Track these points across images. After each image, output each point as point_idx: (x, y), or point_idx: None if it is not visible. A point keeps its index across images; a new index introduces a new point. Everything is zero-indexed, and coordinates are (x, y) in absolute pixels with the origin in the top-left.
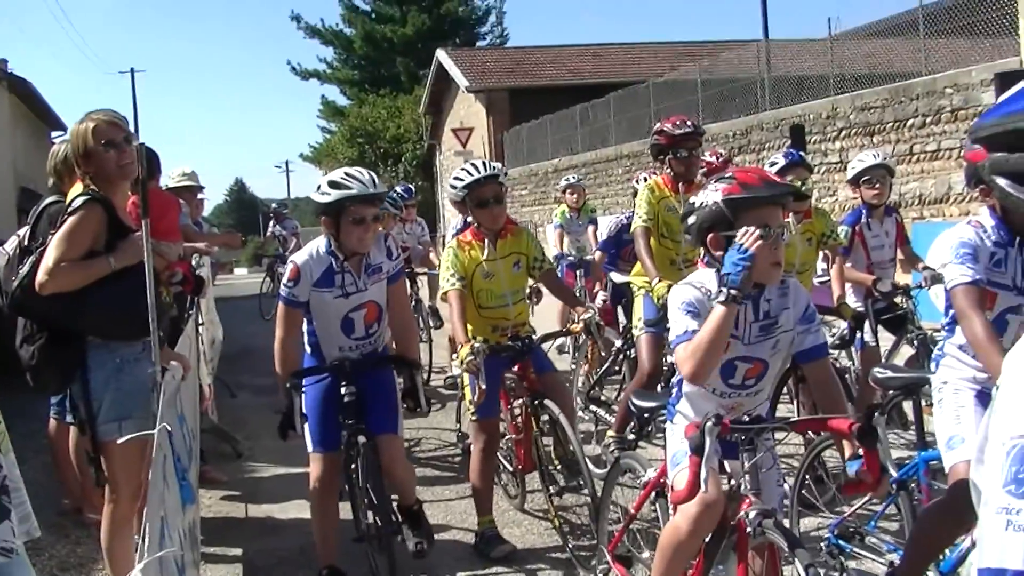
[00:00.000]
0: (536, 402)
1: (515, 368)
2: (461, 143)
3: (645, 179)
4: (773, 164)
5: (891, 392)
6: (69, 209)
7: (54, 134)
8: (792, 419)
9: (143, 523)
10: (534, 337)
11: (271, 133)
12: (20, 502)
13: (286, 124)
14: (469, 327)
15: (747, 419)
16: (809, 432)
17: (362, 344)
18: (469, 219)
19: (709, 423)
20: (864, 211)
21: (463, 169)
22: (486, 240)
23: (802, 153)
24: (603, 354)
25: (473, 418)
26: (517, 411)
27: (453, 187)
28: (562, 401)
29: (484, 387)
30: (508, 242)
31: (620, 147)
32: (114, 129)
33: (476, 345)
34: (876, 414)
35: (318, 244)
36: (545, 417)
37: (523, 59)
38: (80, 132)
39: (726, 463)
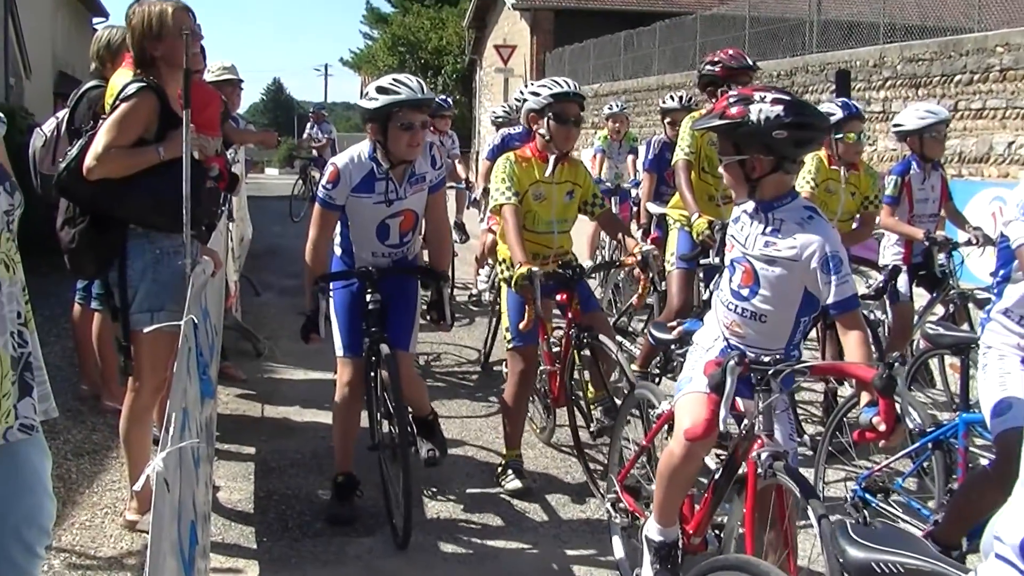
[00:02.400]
0: (583, 335)
1: (559, 297)
2: (503, 60)
3: (672, 97)
4: (830, 115)
5: (923, 348)
6: (122, 95)
7: (96, 20)
8: (811, 362)
9: (166, 413)
10: (583, 266)
11: (312, 36)
12: (41, 381)
13: (328, 28)
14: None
15: (766, 359)
16: (839, 381)
17: (395, 251)
18: (510, 134)
19: (731, 362)
20: (915, 162)
21: (552, 80)
22: (550, 160)
23: (857, 105)
24: (657, 289)
25: (511, 345)
26: (555, 342)
27: (536, 94)
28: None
29: (536, 313)
30: (566, 169)
31: (662, 77)
32: (188, 17)
33: (535, 269)
34: (897, 364)
35: (360, 149)
36: (586, 353)
37: None
38: (155, 14)
39: (740, 401)
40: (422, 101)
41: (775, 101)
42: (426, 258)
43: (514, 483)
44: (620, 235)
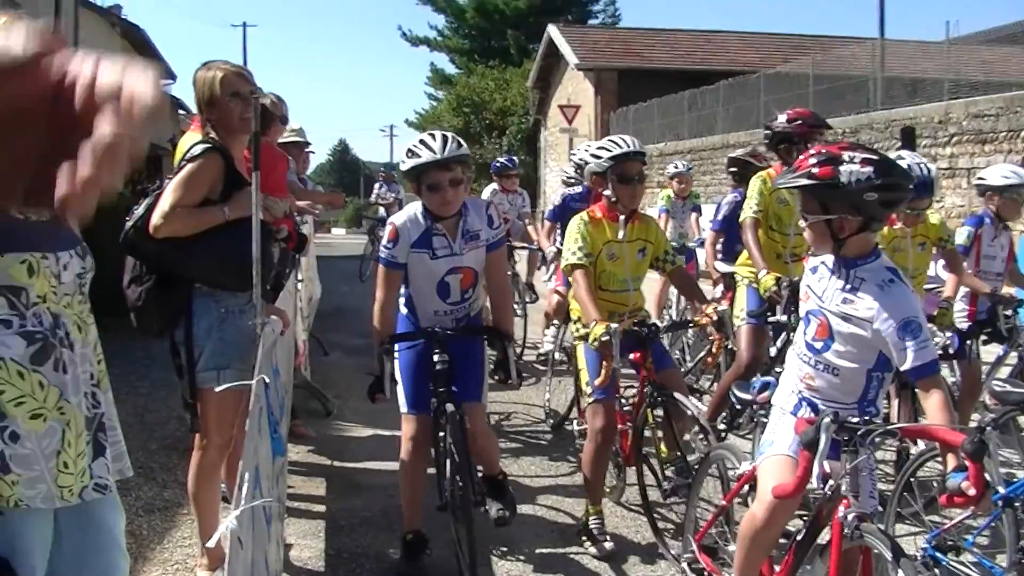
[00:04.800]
0: (657, 394)
1: (632, 356)
2: (567, 120)
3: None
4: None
5: (1003, 406)
6: (188, 156)
7: (163, 82)
8: (901, 424)
9: (238, 471)
10: (659, 325)
11: (378, 97)
12: (115, 441)
13: (393, 88)
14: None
15: (855, 420)
16: (913, 440)
17: (456, 308)
18: (571, 195)
19: (826, 420)
20: (988, 218)
21: (611, 140)
22: (621, 219)
23: (933, 176)
24: (732, 348)
25: (591, 400)
26: (627, 400)
27: (597, 156)
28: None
29: (615, 367)
30: (637, 227)
31: (727, 136)
32: (241, 81)
33: (613, 327)
34: (988, 428)
35: (416, 207)
36: (659, 412)
37: (634, 40)
38: (207, 80)
39: (826, 463)
40: (442, 162)
41: (865, 162)
42: (490, 317)
43: (600, 548)
44: (696, 298)
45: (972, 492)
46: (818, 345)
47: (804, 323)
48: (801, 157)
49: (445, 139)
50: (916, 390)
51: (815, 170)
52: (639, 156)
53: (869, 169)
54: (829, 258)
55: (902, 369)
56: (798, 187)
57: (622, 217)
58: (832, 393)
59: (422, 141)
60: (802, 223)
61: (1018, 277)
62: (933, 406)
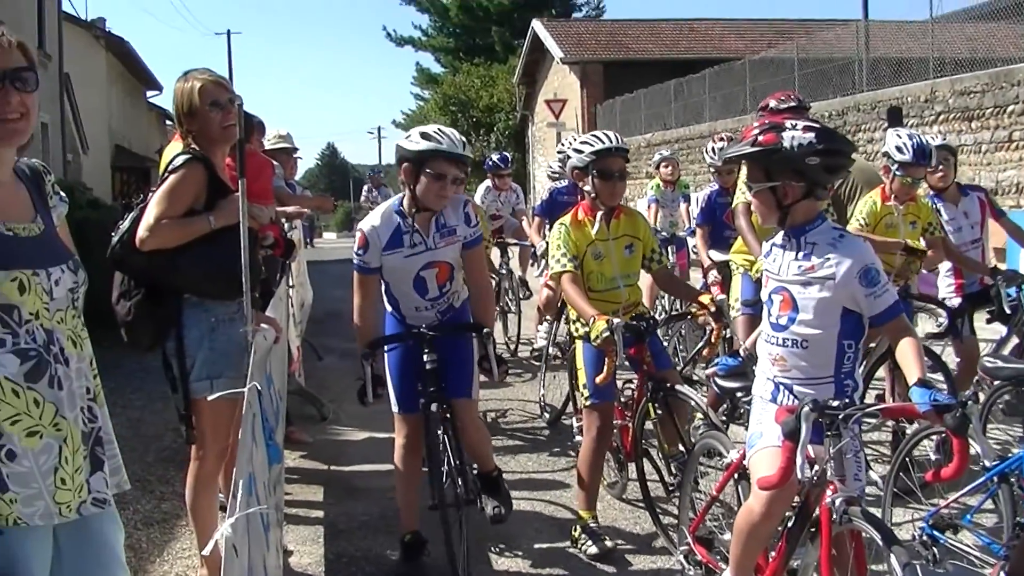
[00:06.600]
0: (658, 389)
1: (630, 351)
2: (554, 114)
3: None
4: (911, 149)
5: (996, 383)
6: (170, 167)
7: (149, 93)
8: (881, 405)
9: (232, 480)
10: (657, 319)
11: (364, 99)
12: (112, 455)
13: (379, 90)
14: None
15: (835, 404)
16: (902, 421)
17: (436, 303)
18: (558, 188)
19: (806, 408)
20: (932, 197)
21: (593, 135)
22: (598, 216)
23: (933, 148)
24: (730, 337)
25: (588, 403)
26: (626, 395)
27: (579, 151)
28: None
29: (617, 364)
30: (621, 223)
31: (714, 123)
32: (219, 89)
33: (615, 321)
34: (970, 403)
35: (387, 205)
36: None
37: (618, 32)
38: (185, 91)
39: (810, 448)
40: (460, 156)
41: (807, 128)
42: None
43: (592, 548)
44: (686, 296)
45: (954, 468)
46: (783, 321)
47: (767, 305)
48: (747, 128)
49: (463, 140)
50: (888, 339)
51: (759, 137)
52: (621, 152)
53: (811, 135)
54: (778, 236)
55: (870, 317)
56: (743, 155)
57: (599, 214)
58: (806, 369)
59: (440, 129)
60: (748, 195)
61: (1017, 232)
62: (903, 350)
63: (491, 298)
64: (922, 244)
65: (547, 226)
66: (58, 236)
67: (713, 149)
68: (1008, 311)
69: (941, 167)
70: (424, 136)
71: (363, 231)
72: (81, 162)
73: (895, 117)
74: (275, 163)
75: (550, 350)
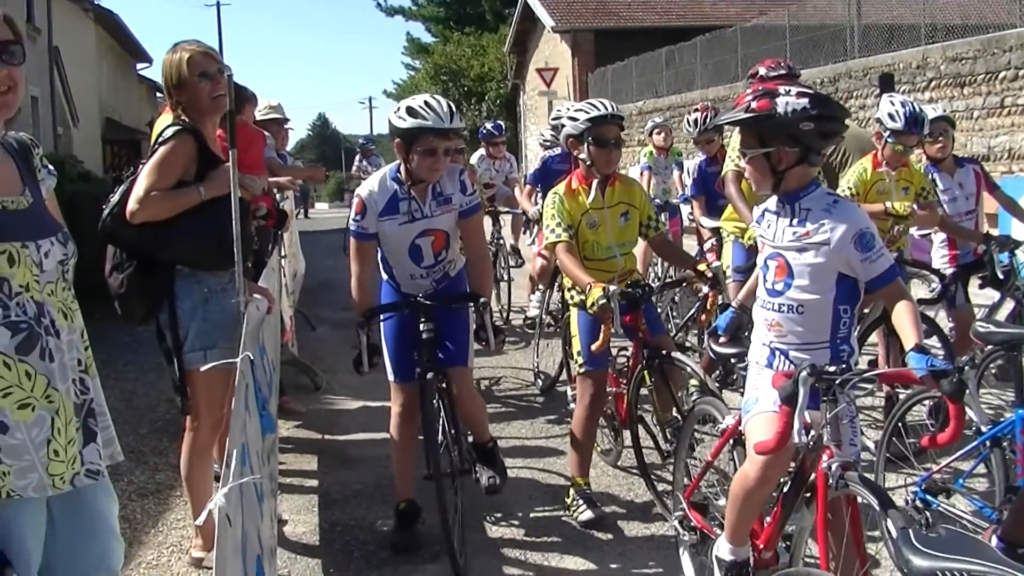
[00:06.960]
0: (654, 357)
1: (626, 318)
2: (545, 83)
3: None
4: (908, 117)
5: (989, 348)
6: (160, 139)
7: (139, 66)
8: (878, 371)
9: (226, 450)
10: (652, 287)
11: (355, 69)
12: (105, 426)
13: (370, 60)
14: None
15: (832, 369)
16: (896, 386)
17: (432, 271)
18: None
19: (803, 373)
20: (929, 167)
21: (589, 103)
22: (593, 184)
23: (927, 117)
24: (725, 304)
25: (582, 370)
26: (620, 363)
27: (574, 119)
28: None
29: (612, 331)
30: (617, 191)
31: (705, 91)
32: (208, 60)
33: (611, 288)
34: (966, 368)
35: (383, 172)
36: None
37: (609, 0)
38: (174, 62)
39: (807, 413)
40: (447, 130)
41: (800, 94)
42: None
43: (586, 514)
44: (682, 263)
45: (949, 433)
46: (779, 287)
47: (763, 271)
48: (740, 95)
49: (450, 108)
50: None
51: (753, 104)
52: (616, 120)
53: (804, 100)
54: (771, 202)
55: (866, 282)
56: (737, 121)
57: (594, 182)
58: (802, 334)
59: (426, 103)
60: (742, 162)
61: (1011, 205)
62: (899, 313)
63: (489, 267)
64: (905, 209)
65: (539, 193)
66: (47, 209)
67: (689, 121)
68: (1001, 276)
69: (941, 138)
70: (411, 112)
71: (361, 196)
72: (72, 135)
73: (887, 84)
74: (266, 134)
75: (543, 317)
